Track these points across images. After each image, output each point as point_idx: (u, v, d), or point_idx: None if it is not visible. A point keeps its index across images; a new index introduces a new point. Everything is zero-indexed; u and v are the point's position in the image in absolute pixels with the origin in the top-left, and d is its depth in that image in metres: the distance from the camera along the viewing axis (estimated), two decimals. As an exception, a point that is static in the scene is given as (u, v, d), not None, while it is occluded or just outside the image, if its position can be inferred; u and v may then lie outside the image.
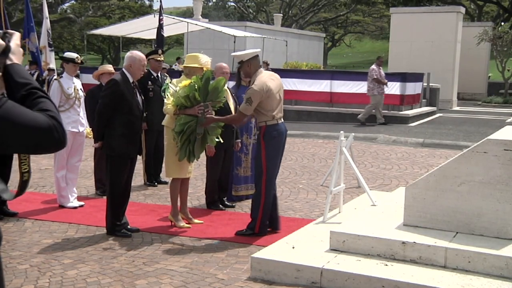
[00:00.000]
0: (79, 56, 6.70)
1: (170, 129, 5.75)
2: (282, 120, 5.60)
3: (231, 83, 6.96)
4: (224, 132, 6.43)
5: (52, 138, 1.80)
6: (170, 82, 5.80)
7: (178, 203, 6.00)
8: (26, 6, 11.19)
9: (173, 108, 5.62)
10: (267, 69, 6.91)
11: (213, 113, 5.68)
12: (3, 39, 1.91)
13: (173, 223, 5.92)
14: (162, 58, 7.98)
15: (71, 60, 6.60)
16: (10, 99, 1.80)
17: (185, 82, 5.64)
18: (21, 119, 1.75)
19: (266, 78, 5.46)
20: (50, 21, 13.46)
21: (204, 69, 5.92)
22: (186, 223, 5.93)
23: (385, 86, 14.88)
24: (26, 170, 1.98)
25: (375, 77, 14.69)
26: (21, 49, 1.97)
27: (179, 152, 5.59)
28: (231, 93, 6.65)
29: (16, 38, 1.96)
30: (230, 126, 6.33)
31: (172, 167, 5.81)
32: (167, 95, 5.73)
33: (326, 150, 11.05)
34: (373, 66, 14.92)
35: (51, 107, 1.85)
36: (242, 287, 4.37)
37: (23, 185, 1.99)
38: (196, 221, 6.04)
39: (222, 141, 6.04)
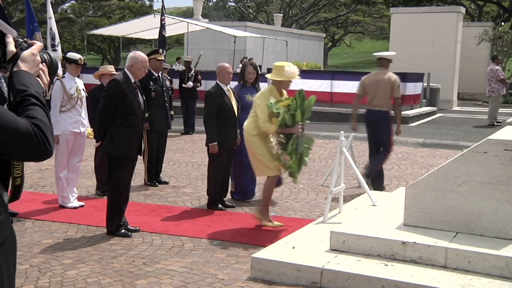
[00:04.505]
0: (82, 57, 6.69)
1: (250, 134, 5.79)
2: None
3: (233, 83, 6.96)
4: (228, 133, 6.45)
5: (31, 145, 1.77)
6: (274, 102, 5.70)
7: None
8: (27, 6, 11.09)
9: (274, 127, 5.63)
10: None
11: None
12: (16, 47, 1.92)
13: (262, 223, 5.89)
14: (163, 58, 7.98)
15: (74, 61, 6.60)
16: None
17: (286, 101, 5.67)
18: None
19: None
20: (51, 21, 13.41)
21: (292, 81, 5.89)
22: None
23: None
24: (19, 175, 1.98)
25: (502, 77, 14.72)
26: (37, 58, 1.96)
27: (295, 169, 5.66)
28: (233, 93, 6.65)
29: (34, 48, 1.97)
30: (234, 127, 6.36)
31: (265, 166, 5.81)
32: (262, 111, 5.68)
33: (327, 150, 11.05)
34: (497, 67, 14.80)
35: (39, 115, 1.83)
36: (242, 287, 4.38)
37: (15, 190, 1.99)
38: (276, 223, 5.98)
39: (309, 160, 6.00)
